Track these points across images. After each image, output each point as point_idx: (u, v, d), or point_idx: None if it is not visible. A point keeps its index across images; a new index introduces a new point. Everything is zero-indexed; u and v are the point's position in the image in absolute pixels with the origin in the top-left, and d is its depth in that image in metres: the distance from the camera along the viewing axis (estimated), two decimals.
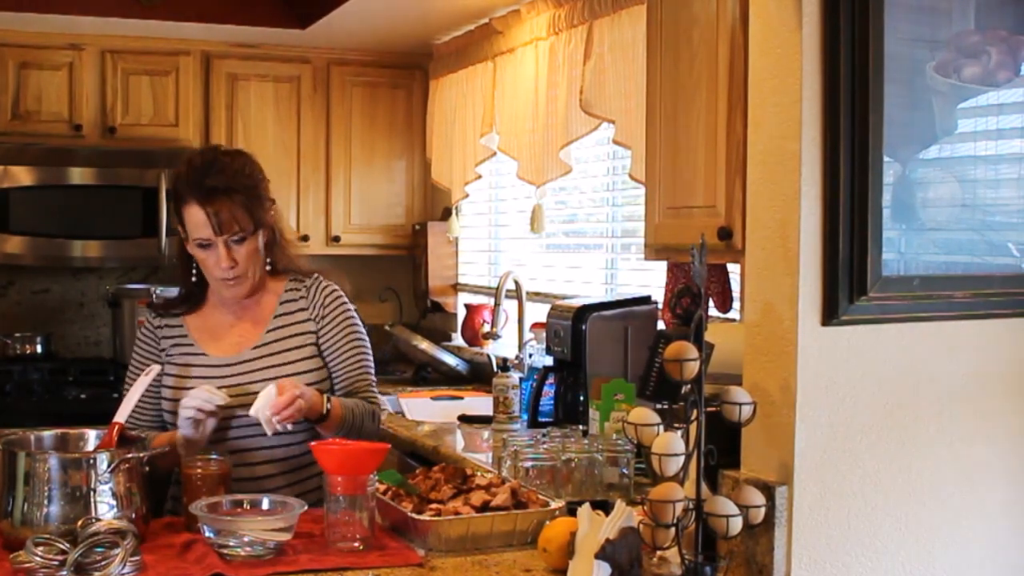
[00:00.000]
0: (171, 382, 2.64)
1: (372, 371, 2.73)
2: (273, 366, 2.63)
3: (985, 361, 2.17)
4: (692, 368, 1.94)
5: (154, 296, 4.49)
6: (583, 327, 3.49)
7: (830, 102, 1.99)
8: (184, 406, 2.45)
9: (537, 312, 4.51)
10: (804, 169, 1.99)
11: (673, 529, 1.94)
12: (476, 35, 4.88)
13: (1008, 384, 2.20)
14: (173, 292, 2.77)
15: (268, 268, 2.68)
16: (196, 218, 2.54)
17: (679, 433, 1.98)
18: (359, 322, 2.74)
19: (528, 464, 2.66)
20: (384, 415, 2.69)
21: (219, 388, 2.52)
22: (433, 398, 4.53)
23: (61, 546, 1.99)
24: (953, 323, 2.14)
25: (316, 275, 2.75)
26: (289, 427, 2.45)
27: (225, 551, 2.11)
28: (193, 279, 2.67)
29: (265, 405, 2.42)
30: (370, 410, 2.66)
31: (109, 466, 2.17)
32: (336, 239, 5.44)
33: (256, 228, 2.59)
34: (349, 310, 2.73)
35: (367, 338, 2.75)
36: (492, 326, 4.67)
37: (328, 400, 2.54)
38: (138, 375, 2.59)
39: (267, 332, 2.67)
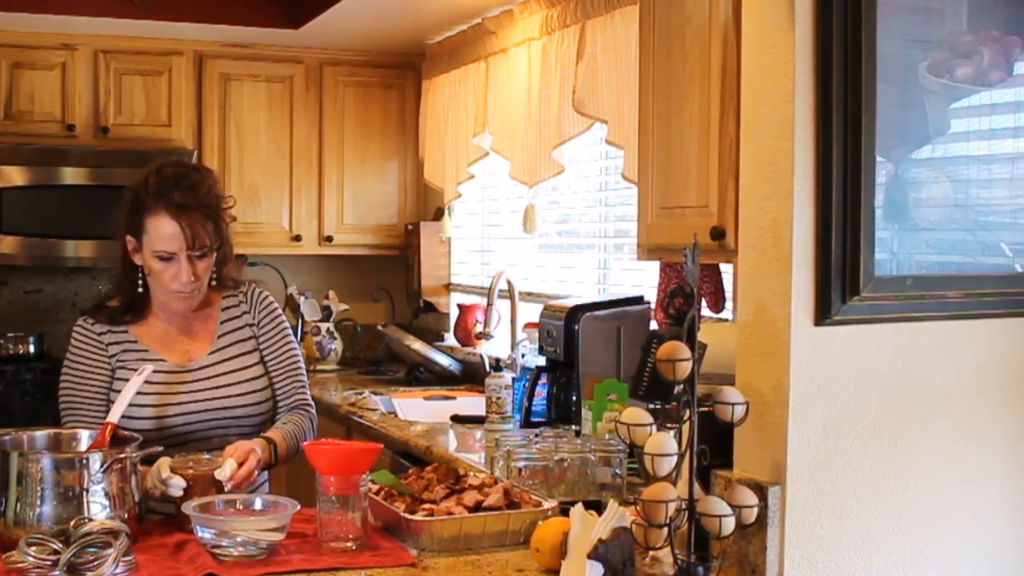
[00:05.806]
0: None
1: (304, 375, 2.81)
2: (230, 371, 2.70)
3: (978, 361, 2.18)
4: (685, 368, 1.94)
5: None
6: (576, 327, 3.49)
7: (823, 102, 1.99)
8: (148, 484, 2.38)
9: (530, 312, 4.50)
10: (797, 169, 1.99)
11: (666, 529, 1.94)
12: (469, 35, 4.88)
13: (1001, 384, 2.20)
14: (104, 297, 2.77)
15: (213, 283, 2.70)
16: (165, 230, 2.54)
17: (672, 433, 1.99)
18: (291, 329, 2.84)
19: (521, 464, 2.66)
20: (316, 421, 2.82)
21: (182, 393, 2.61)
22: (426, 398, 4.53)
23: (54, 546, 1.99)
24: (946, 323, 2.14)
25: (251, 283, 2.82)
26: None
27: (218, 551, 2.10)
28: (140, 289, 2.66)
29: (226, 479, 2.38)
30: (307, 426, 2.73)
31: (102, 466, 2.16)
32: (329, 239, 5.44)
33: (220, 246, 2.63)
34: (283, 318, 2.83)
35: (296, 342, 2.85)
36: (485, 326, 4.67)
37: (274, 448, 2.57)
38: (80, 381, 2.64)
39: (218, 338, 2.72)
